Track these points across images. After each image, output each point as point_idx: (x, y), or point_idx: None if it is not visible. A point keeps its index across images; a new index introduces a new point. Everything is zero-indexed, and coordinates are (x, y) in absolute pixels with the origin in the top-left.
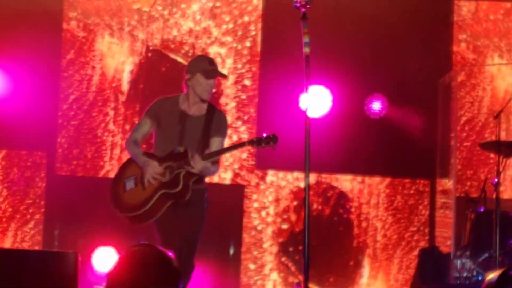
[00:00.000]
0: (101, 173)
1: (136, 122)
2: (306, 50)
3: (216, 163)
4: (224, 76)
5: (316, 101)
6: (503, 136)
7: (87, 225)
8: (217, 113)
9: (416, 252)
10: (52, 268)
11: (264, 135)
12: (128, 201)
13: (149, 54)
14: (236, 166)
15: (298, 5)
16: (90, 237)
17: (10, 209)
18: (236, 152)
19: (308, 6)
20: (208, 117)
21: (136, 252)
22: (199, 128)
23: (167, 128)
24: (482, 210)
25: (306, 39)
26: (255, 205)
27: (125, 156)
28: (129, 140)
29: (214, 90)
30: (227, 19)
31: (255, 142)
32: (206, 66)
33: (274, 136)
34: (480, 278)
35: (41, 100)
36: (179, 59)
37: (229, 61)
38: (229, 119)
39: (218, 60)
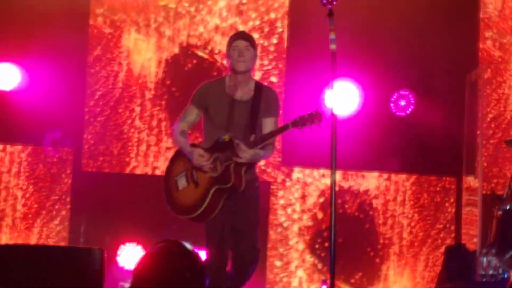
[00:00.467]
0: (127, 170)
1: (163, 118)
2: (333, 47)
3: (269, 146)
4: (247, 38)
5: (343, 97)
6: None
7: (113, 222)
8: (264, 91)
9: (442, 250)
10: (78, 264)
11: (306, 114)
12: (183, 201)
13: (176, 51)
14: (262, 162)
15: (324, 1)
16: (116, 234)
17: (36, 205)
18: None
19: (334, 2)
20: (255, 98)
21: (162, 249)
22: (246, 111)
23: (214, 115)
24: (508, 207)
25: (332, 36)
26: (281, 202)
27: (152, 153)
28: (175, 131)
29: (246, 58)
30: (253, 15)
31: (299, 122)
32: (234, 37)
33: (317, 112)
34: (506, 276)
35: (67, 96)
36: (206, 56)
37: None
38: None
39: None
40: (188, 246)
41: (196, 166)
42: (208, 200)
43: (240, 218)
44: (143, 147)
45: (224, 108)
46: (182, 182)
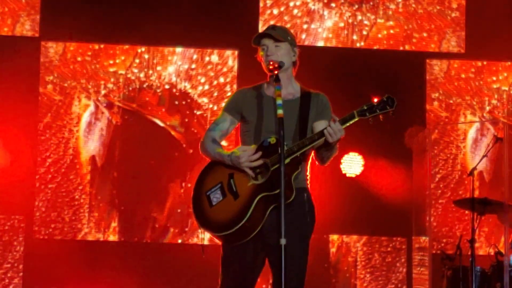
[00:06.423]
0: (79, 236)
1: (114, 184)
2: (280, 112)
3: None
4: (275, 37)
5: None
6: (476, 193)
7: None
8: (314, 95)
9: None
10: None
11: (375, 100)
12: (219, 217)
13: (126, 116)
14: None
15: (271, 67)
16: None
17: None
18: None
19: (281, 68)
20: (304, 99)
21: None
22: (293, 112)
23: (252, 118)
24: (458, 267)
25: (279, 101)
26: None
27: (106, 220)
28: (205, 140)
29: (277, 55)
30: (202, 80)
31: (367, 110)
32: (260, 35)
33: (388, 98)
34: None
35: (18, 164)
36: (156, 120)
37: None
38: None
39: (195, 121)
40: None
41: (245, 166)
42: (251, 211)
43: (291, 234)
44: (94, 213)
45: (265, 109)
46: (216, 196)
